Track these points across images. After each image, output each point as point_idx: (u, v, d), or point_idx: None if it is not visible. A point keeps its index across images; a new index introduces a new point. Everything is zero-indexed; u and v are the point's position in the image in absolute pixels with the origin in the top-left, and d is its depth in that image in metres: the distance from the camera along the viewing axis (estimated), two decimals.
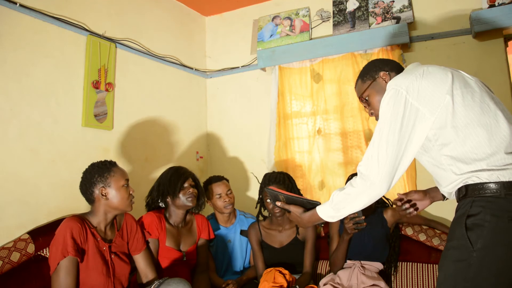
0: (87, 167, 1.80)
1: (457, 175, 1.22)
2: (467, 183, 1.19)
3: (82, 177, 1.77)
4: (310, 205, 1.47)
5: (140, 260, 1.88)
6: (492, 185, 1.14)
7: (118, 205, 1.74)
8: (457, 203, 1.26)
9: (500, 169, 1.14)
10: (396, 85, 1.25)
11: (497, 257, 1.10)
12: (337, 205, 1.33)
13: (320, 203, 1.43)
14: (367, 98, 1.49)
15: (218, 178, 2.41)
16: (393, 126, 1.22)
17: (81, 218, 1.70)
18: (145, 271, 1.88)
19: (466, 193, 1.20)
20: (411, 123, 1.21)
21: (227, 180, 2.44)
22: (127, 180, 1.79)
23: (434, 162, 1.29)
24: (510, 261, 1.09)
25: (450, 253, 1.17)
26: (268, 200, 2.21)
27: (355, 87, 1.57)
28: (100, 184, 1.73)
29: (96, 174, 1.74)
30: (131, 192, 1.79)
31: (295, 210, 1.50)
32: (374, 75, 1.47)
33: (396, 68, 1.47)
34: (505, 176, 1.13)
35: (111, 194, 1.73)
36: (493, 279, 1.09)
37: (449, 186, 1.27)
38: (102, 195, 1.72)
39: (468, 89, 1.23)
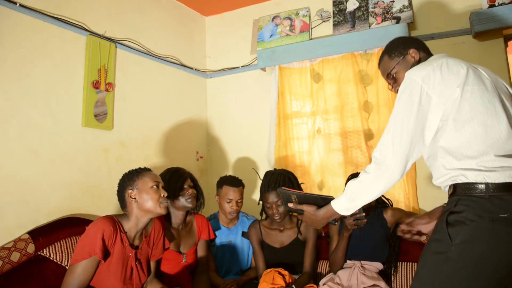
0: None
1: (446, 169, 1.24)
2: (456, 182, 1.22)
3: (118, 185, 1.82)
4: (324, 201, 1.44)
5: (152, 266, 1.88)
6: (478, 186, 1.16)
7: (149, 208, 1.74)
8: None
9: (488, 170, 1.16)
10: (413, 75, 1.27)
11: (474, 253, 1.12)
12: (352, 195, 1.33)
13: (333, 198, 1.42)
14: (394, 75, 1.49)
15: (236, 183, 2.34)
16: (408, 112, 1.24)
17: (115, 221, 1.70)
18: (151, 278, 1.88)
19: (454, 191, 1.23)
20: (425, 111, 1.23)
21: (243, 187, 2.39)
22: (157, 182, 1.78)
23: (432, 153, 1.31)
24: (486, 259, 1.12)
25: (431, 245, 1.21)
26: (268, 206, 2.20)
27: (379, 64, 1.56)
28: (129, 187, 1.75)
29: (126, 178, 1.78)
30: (162, 195, 1.77)
31: (308, 209, 1.48)
32: (403, 51, 1.47)
33: (423, 47, 1.49)
34: (491, 178, 1.15)
35: (140, 196, 1.73)
36: (468, 273, 1.12)
37: (438, 180, 1.30)
38: (131, 197, 1.74)
39: (480, 87, 1.24)
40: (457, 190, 1.22)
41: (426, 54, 1.47)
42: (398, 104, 1.28)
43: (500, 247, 1.11)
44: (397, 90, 1.47)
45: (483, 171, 1.16)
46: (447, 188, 1.29)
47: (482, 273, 1.12)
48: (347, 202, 1.35)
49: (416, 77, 1.25)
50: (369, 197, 1.32)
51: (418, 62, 1.44)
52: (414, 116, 1.23)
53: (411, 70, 1.30)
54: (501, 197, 1.13)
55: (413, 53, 1.45)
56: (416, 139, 1.24)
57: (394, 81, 1.51)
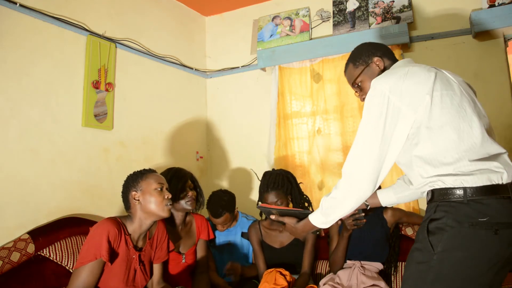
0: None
1: (424, 178, 1.23)
2: (434, 188, 1.20)
3: (122, 186, 1.80)
4: (303, 215, 1.50)
5: (157, 269, 1.88)
6: (456, 190, 1.15)
7: (153, 210, 1.72)
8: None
9: (465, 174, 1.15)
10: (379, 84, 1.24)
11: (456, 260, 1.11)
12: (327, 211, 1.34)
13: (312, 212, 1.45)
14: (359, 84, 1.47)
15: (216, 214, 2.27)
16: (375, 126, 1.22)
17: (119, 222, 1.69)
18: (158, 280, 1.87)
19: (432, 197, 1.21)
20: (393, 122, 1.21)
21: (230, 210, 2.31)
22: (161, 184, 1.77)
23: (406, 162, 1.29)
24: (468, 265, 1.11)
25: (414, 254, 1.20)
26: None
27: (345, 72, 1.55)
28: (133, 189, 1.74)
29: (130, 180, 1.77)
30: (166, 197, 1.75)
31: (289, 221, 1.53)
32: (367, 60, 1.45)
33: (388, 53, 1.46)
34: (468, 182, 1.14)
35: (143, 198, 1.72)
36: (452, 281, 1.11)
37: (417, 188, 1.29)
38: (135, 199, 1.73)
39: (448, 91, 1.22)
40: (435, 195, 1.20)
41: (391, 61, 1.44)
42: (366, 117, 1.25)
43: (481, 252, 1.11)
44: (363, 98, 1.45)
45: (461, 175, 1.15)
46: (425, 194, 1.28)
47: (466, 280, 1.11)
48: (323, 217, 1.37)
49: (382, 88, 1.23)
50: (343, 212, 1.33)
51: (383, 70, 1.42)
52: (382, 129, 1.21)
53: (377, 79, 1.28)
54: (480, 201, 1.12)
55: (377, 61, 1.43)
56: (385, 152, 1.21)
57: (360, 89, 1.49)
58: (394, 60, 1.45)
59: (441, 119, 1.19)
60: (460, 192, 1.14)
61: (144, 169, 1.83)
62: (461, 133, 1.18)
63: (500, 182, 1.14)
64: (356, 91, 1.52)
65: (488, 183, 1.13)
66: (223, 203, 2.29)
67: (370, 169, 1.22)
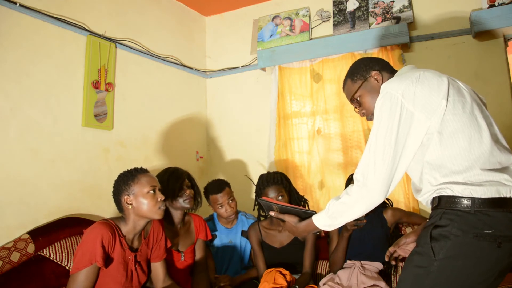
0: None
1: (432, 186, 1.21)
2: (441, 194, 1.19)
3: (113, 186, 1.77)
4: (306, 215, 1.45)
5: (159, 267, 1.86)
6: (464, 200, 1.14)
7: (146, 213, 1.70)
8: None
9: (475, 184, 1.14)
10: (391, 89, 1.22)
11: (456, 268, 1.11)
12: (334, 214, 1.32)
13: (315, 212, 1.41)
14: (358, 99, 1.45)
15: (219, 188, 2.29)
16: (389, 131, 1.19)
17: (112, 225, 1.67)
18: (163, 279, 1.86)
19: (439, 204, 1.20)
20: (406, 128, 1.19)
21: (229, 185, 2.35)
22: (154, 186, 1.73)
23: (416, 169, 1.28)
24: (467, 274, 1.11)
25: (414, 258, 1.20)
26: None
27: (344, 88, 1.52)
28: (125, 192, 1.70)
29: (121, 182, 1.72)
30: (159, 199, 1.72)
31: (289, 219, 1.48)
32: (365, 74, 1.43)
33: (386, 67, 1.44)
34: (477, 192, 1.13)
35: (136, 202, 1.69)
36: None
37: (424, 196, 1.27)
38: (127, 203, 1.69)
39: (460, 97, 1.22)
40: (441, 202, 1.19)
41: (389, 74, 1.42)
42: (378, 122, 1.23)
43: (482, 263, 1.11)
44: (363, 113, 1.45)
45: (470, 185, 1.14)
46: (430, 201, 1.26)
47: (463, 287, 1.11)
48: (328, 219, 1.34)
49: (395, 92, 1.20)
50: (351, 217, 1.31)
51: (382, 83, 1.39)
52: (395, 134, 1.18)
53: (387, 84, 1.25)
54: (487, 212, 1.12)
55: (375, 75, 1.41)
56: (398, 159, 1.19)
57: (359, 104, 1.46)
58: (393, 73, 1.42)
59: (453, 125, 1.17)
60: (467, 202, 1.13)
61: (135, 169, 1.77)
62: (471, 141, 1.17)
63: (508, 196, 1.13)
64: (355, 107, 1.49)
65: (497, 196, 1.12)
66: (222, 179, 2.39)
67: (383, 176, 1.19)
